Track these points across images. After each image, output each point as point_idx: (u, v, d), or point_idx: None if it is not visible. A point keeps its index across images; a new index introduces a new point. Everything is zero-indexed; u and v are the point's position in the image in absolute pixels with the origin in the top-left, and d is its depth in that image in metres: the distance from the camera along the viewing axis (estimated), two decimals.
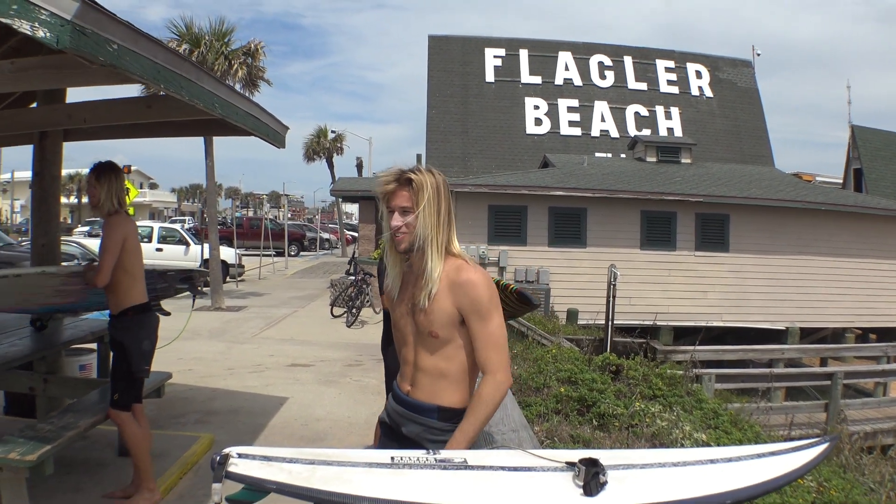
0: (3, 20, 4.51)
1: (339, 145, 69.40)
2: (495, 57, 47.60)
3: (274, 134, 8.71)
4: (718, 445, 12.05)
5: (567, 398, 12.87)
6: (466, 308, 3.95)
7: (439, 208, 4.02)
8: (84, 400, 7.83)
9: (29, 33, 4.41)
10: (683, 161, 36.68)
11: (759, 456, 3.76)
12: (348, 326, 20.67)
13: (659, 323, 27.40)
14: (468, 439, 3.88)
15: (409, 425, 4.06)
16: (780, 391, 22.90)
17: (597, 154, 41.96)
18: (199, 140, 26.14)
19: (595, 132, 45.83)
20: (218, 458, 3.31)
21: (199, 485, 7.49)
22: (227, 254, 32.82)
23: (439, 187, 4.02)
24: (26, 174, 73.93)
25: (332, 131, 69.41)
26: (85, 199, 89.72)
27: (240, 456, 3.37)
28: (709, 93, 48.19)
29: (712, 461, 3.71)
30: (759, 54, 51.54)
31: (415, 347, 4.06)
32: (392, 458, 3.54)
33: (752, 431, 14.09)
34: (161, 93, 6.10)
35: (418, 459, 3.55)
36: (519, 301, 7.41)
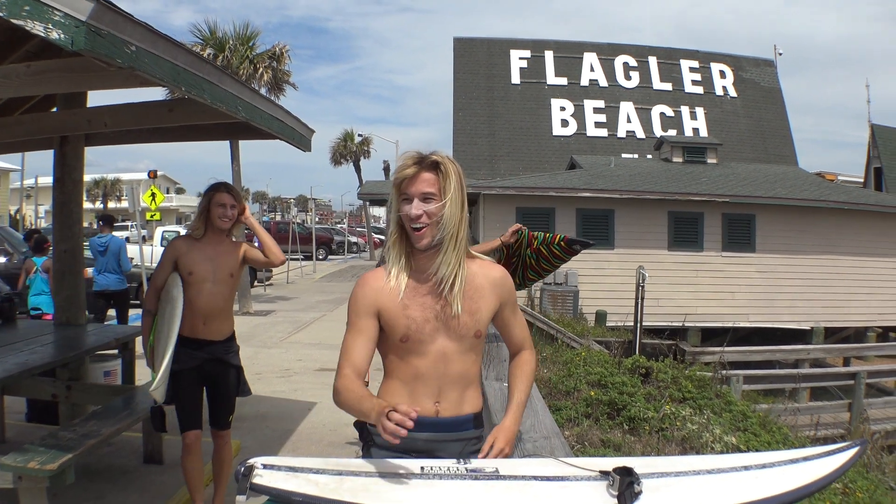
0: (16, 21, 4.45)
1: (365, 149, 69.50)
2: (521, 59, 47.65)
3: (300, 137, 8.63)
4: (748, 448, 12.07)
5: (597, 402, 12.76)
6: (506, 300, 3.91)
7: (463, 200, 3.69)
8: (108, 407, 7.73)
9: (42, 35, 4.34)
10: (709, 161, 36.56)
11: (792, 462, 3.65)
12: None
13: (687, 324, 27.19)
14: (523, 412, 3.97)
15: (450, 447, 3.77)
16: (805, 391, 22.79)
17: (623, 155, 41.92)
18: (226, 144, 26.15)
19: (621, 133, 45.81)
20: (243, 469, 3.21)
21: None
22: None
23: (461, 176, 3.72)
24: (49, 179, 74.57)
25: (359, 135, 69.53)
26: (111, 204, 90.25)
27: (265, 467, 3.26)
28: (733, 92, 48.10)
29: (746, 468, 3.59)
30: (780, 54, 51.44)
31: (443, 357, 3.77)
32: (422, 468, 3.41)
33: (780, 433, 14.00)
34: (182, 96, 6.00)
35: (448, 469, 3.41)
36: (568, 247, 7.36)
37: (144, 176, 47.23)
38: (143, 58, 4.80)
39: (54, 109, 10.40)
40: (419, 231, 3.61)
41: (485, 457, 3.62)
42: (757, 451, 10.42)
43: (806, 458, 3.70)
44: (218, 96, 6.02)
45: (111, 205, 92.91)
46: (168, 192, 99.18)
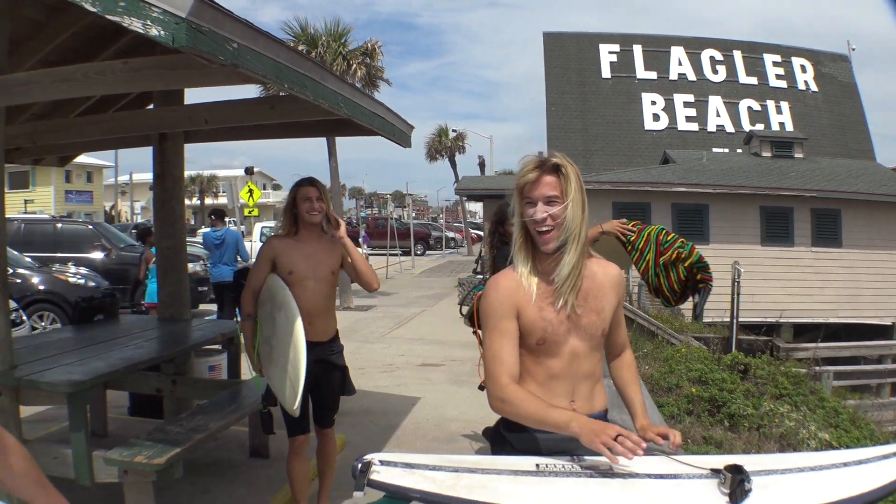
0: (112, 17, 4.47)
1: (460, 144, 69.66)
2: (610, 52, 47.36)
3: (400, 133, 8.62)
4: (840, 444, 12.16)
5: (698, 398, 12.75)
6: (620, 299, 3.99)
7: (583, 200, 3.72)
8: (215, 402, 7.79)
9: (141, 31, 4.36)
10: (796, 156, 36.50)
11: (885, 457, 3.64)
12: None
13: (781, 320, 26.90)
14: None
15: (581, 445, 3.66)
16: (887, 386, 22.58)
17: (714, 149, 41.48)
18: (321, 141, 26.33)
19: (711, 127, 45.39)
20: (360, 465, 3.23)
21: (331, 486, 7.38)
22: None
23: (580, 177, 3.74)
24: (145, 176, 75.01)
25: (453, 130, 69.69)
26: (208, 200, 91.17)
27: (382, 463, 3.29)
28: (814, 87, 47.39)
29: (845, 464, 3.59)
30: (853, 49, 50.50)
31: (575, 357, 3.79)
32: (537, 466, 3.41)
33: (867, 429, 14.06)
34: (282, 93, 6.00)
35: (563, 467, 3.41)
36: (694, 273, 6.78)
37: (241, 172, 47.71)
38: (245, 55, 4.81)
39: (150, 106, 10.51)
40: (545, 234, 3.64)
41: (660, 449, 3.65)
42: (848, 447, 10.32)
43: None
44: (320, 93, 6.01)
45: (208, 201, 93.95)
46: (264, 189, 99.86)
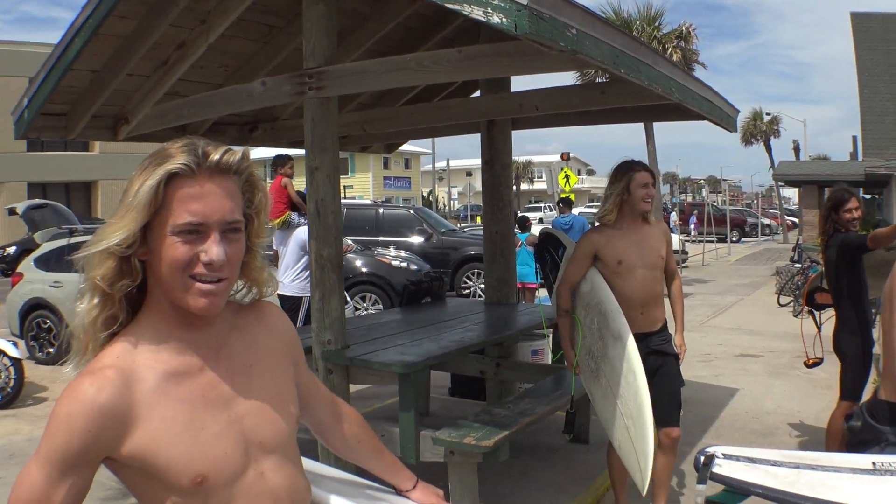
0: (452, 6, 4.55)
1: (774, 128, 67.89)
2: None
3: (726, 118, 8.46)
4: None
5: None
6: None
7: None
8: (539, 386, 7.82)
9: (482, 20, 4.43)
10: None
11: None
12: (795, 316, 19.54)
13: None
14: None
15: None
16: None
17: None
18: (633, 126, 26.31)
19: None
20: (703, 457, 3.20)
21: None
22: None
23: None
24: (461, 162, 76.26)
25: (767, 113, 67.97)
26: (523, 186, 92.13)
27: (724, 456, 3.23)
28: None
29: None
30: None
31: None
32: (874, 464, 3.25)
33: None
34: (620, 78, 5.93)
35: None
36: None
37: (555, 158, 47.99)
38: (584, 41, 4.81)
39: (476, 94, 10.67)
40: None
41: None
42: None
43: None
44: (653, 78, 5.96)
45: (523, 186, 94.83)
46: (579, 174, 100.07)
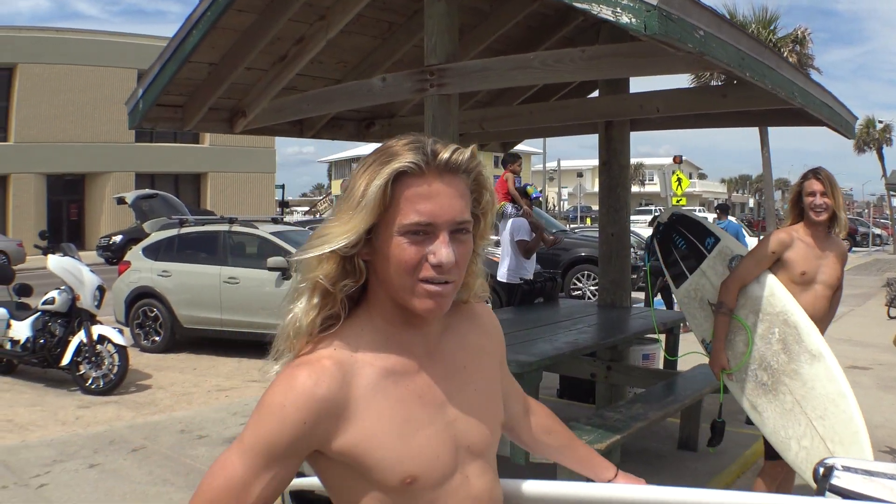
0: (581, 6, 4.55)
1: (887, 136, 66.87)
2: None
3: (845, 124, 8.28)
4: None
5: None
6: None
7: None
8: (651, 391, 7.78)
9: (611, 19, 4.43)
10: None
11: None
12: None
13: None
14: None
15: None
16: None
17: None
18: (748, 130, 26.10)
19: None
20: (822, 469, 3.11)
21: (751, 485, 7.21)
22: None
23: None
24: (571, 163, 76.16)
25: (879, 121, 66.92)
26: (634, 188, 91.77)
27: (843, 468, 3.14)
28: None
29: None
30: None
31: None
32: None
33: None
34: (745, 81, 5.86)
35: None
36: None
37: (667, 161, 47.74)
38: (711, 42, 4.78)
39: (594, 94, 10.62)
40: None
41: None
42: None
43: None
44: (777, 82, 5.85)
45: (634, 189, 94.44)
46: (691, 178, 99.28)
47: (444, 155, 1.95)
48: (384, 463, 1.96)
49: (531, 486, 2.70)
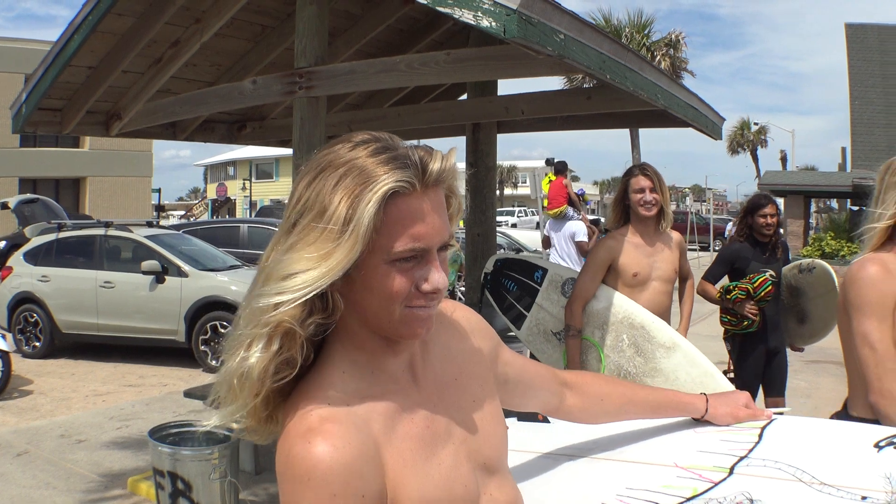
0: (442, 9, 4.64)
1: (762, 137, 68.38)
2: None
3: (712, 125, 8.49)
4: None
5: None
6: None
7: None
8: None
9: (472, 23, 4.49)
10: None
11: None
12: None
13: None
14: None
15: None
16: None
17: None
18: (620, 132, 26.47)
19: None
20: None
21: None
22: None
23: None
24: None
25: (755, 123, 68.60)
26: (507, 191, 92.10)
27: None
28: None
29: None
30: None
31: None
32: None
33: None
34: (606, 84, 6.00)
35: None
36: None
37: (540, 163, 47.97)
38: (572, 46, 4.85)
39: (463, 97, 10.72)
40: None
41: None
42: None
43: None
44: (639, 84, 5.98)
45: (507, 191, 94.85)
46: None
47: (435, 165, 1.69)
48: None
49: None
